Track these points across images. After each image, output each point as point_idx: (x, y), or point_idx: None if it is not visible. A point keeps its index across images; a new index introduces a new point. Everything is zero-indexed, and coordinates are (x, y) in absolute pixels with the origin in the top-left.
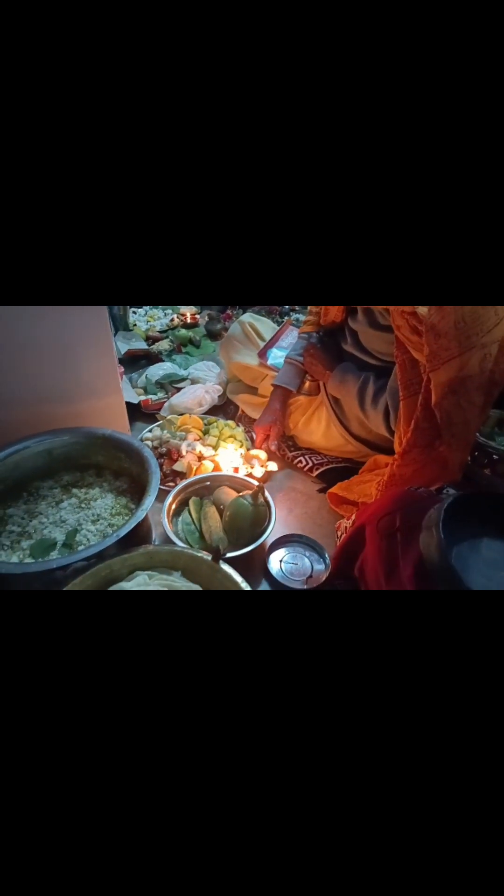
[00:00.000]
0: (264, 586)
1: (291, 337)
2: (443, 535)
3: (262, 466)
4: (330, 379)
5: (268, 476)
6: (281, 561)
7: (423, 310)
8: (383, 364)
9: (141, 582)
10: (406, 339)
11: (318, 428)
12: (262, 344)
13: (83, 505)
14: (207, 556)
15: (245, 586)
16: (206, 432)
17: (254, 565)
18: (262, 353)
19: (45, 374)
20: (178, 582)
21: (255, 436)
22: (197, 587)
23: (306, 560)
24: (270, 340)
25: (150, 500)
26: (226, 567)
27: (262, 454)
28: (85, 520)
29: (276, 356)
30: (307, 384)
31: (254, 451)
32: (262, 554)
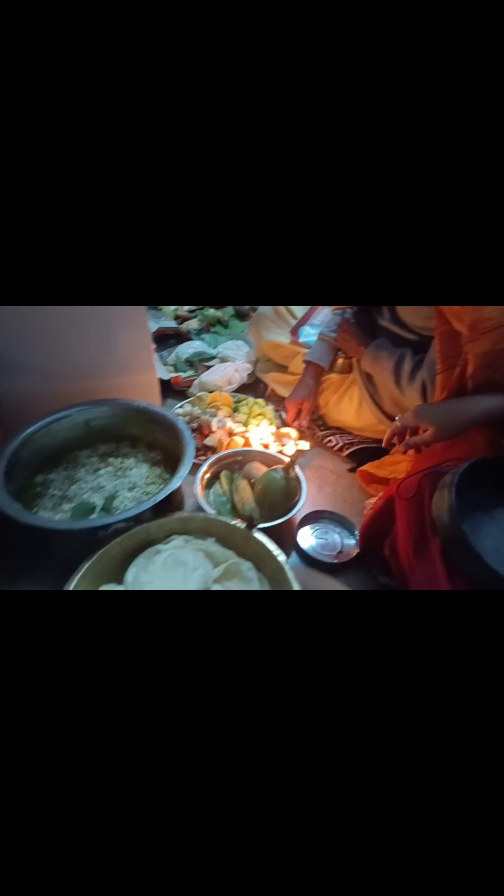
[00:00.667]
0: (294, 559)
1: (323, 315)
2: (455, 498)
3: (294, 444)
4: (364, 355)
5: (298, 454)
6: (311, 536)
7: None
8: (420, 339)
9: (177, 545)
10: (448, 309)
11: (349, 406)
12: (293, 322)
13: (119, 473)
14: (241, 525)
15: (279, 554)
16: (235, 410)
17: (283, 539)
18: (294, 331)
19: (83, 350)
20: (212, 547)
21: (284, 415)
22: (231, 553)
23: (336, 536)
24: (303, 318)
25: (185, 469)
26: (259, 536)
27: (293, 432)
28: (121, 487)
29: (309, 333)
30: (340, 361)
31: (284, 430)
32: (292, 528)
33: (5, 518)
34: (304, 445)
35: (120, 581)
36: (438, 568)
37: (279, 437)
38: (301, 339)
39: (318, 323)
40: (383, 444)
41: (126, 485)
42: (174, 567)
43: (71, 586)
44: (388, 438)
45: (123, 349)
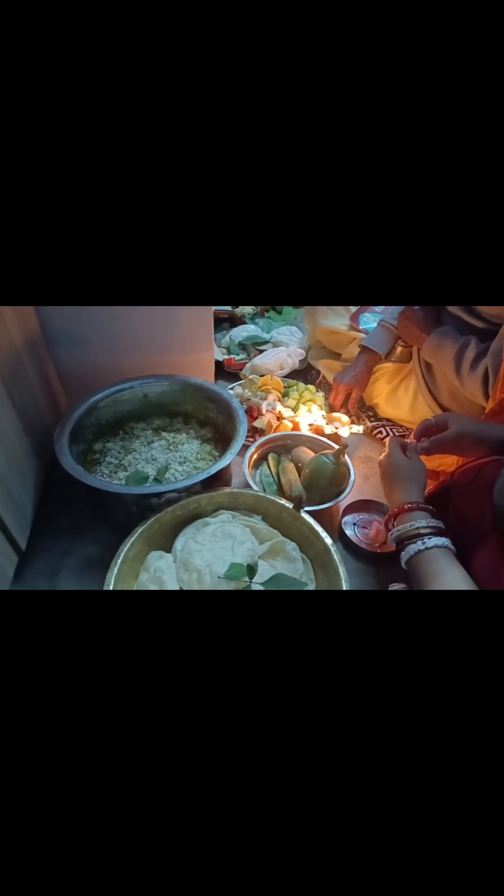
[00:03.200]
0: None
1: None
2: None
3: (348, 428)
4: (426, 343)
5: (344, 440)
6: (355, 525)
7: None
8: (489, 327)
9: (225, 519)
10: None
11: (404, 398)
12: (353, 309)
13: (171, 447)
14: (289, 505)
15: (325, 536)
16: (285, 394)
17: (327, 524)
18: (355, 317)
19: (148, 325)
20: (259, 524)
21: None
22: (276, 532)
23: (382, 527)
24: (363, 305)
25: (237, 445)
26: (307, 517)
27: (345, 417)
28: (173, 460)
29: (369, 320)
30: (398, 350)
31: (336, 414)
32: (337, 515)
33: (70, 478)
34: (358, 429)
35: (169, 548)
36: (498, 558)
37: (330, 421)
38: (361, 326)
39: (379, 310)
40: (410, 439)
41: (177, 458)
42: (223, 538)
43: (125, 548)
44: (417, 435)
45: (186, 327)
